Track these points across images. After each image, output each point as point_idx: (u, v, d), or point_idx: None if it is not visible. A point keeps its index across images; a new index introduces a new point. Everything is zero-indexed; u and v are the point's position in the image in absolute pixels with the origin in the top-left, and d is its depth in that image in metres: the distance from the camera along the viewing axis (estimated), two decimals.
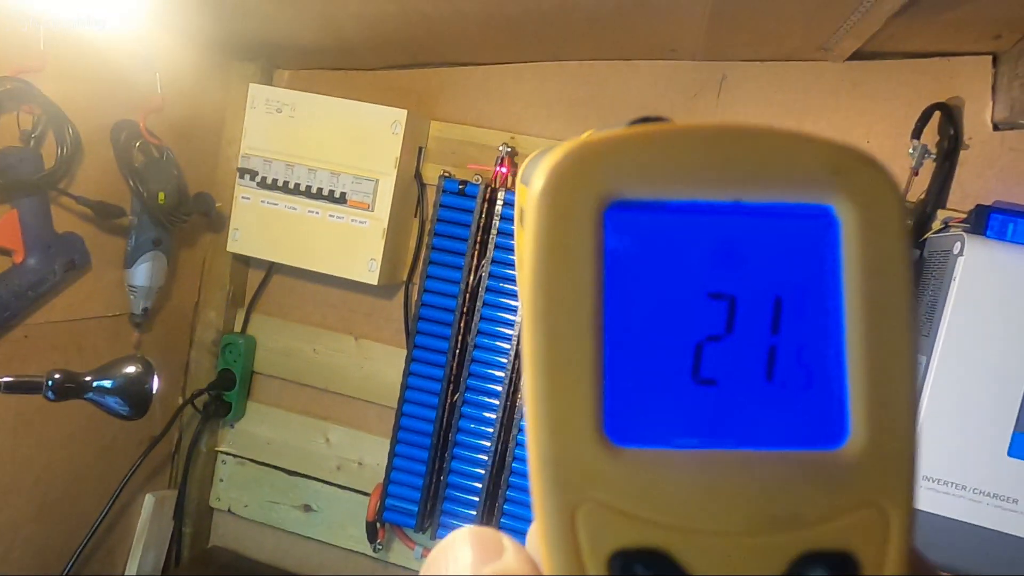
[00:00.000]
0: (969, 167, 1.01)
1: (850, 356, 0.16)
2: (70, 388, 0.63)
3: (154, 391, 0.63)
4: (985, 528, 0.83)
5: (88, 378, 0.62)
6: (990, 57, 0.99)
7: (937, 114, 1.00)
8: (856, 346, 0.16)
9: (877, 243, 0.16)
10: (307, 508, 1.29)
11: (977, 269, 0.84)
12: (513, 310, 1.09)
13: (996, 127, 1.00)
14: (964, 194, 1.01)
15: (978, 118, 1.01)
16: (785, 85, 1.08)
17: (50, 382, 0.62)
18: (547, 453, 0.15)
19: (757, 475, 0.15)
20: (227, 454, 1.32)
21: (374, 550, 1.21)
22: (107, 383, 0.61)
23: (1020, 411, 0.84)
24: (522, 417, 1.10)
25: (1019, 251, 0.85)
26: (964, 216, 0.97)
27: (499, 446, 1.10)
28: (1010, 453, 0.84)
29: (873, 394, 0.15)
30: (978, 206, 0.90)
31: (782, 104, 1.08)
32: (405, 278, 1.20)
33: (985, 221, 0.88)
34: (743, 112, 1.10)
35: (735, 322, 0.16)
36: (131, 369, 0.62)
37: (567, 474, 0.15)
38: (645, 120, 0.17)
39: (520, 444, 1.10)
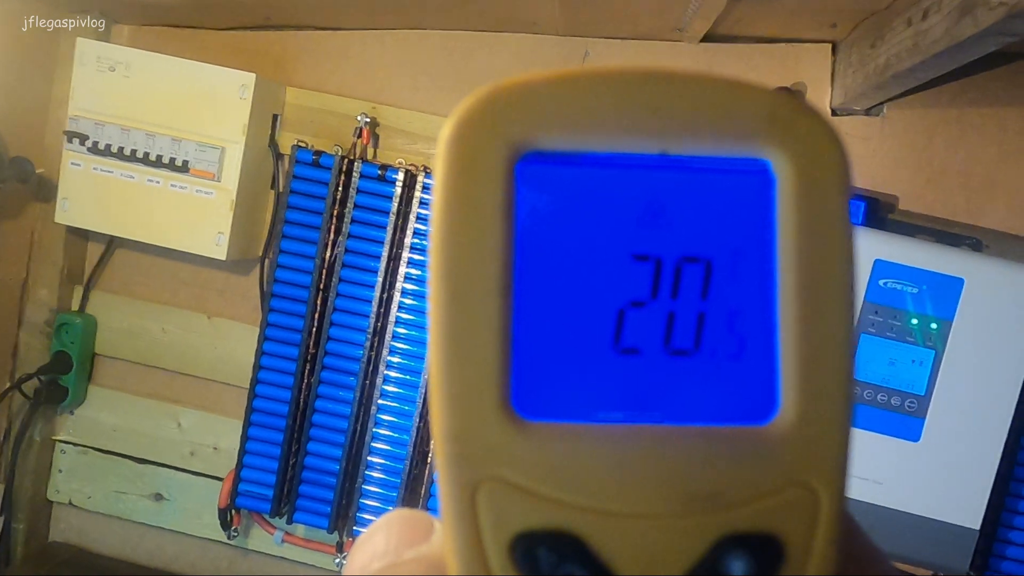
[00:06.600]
0: None
1: (783, 325, 0.14)
2: None
3: None
4: None
5: None
6: (829, 45, 1.04)
7: None
8: (790, 315, 0.14)
9: (816, 203, 0.14)
10: (158, 497, 1.22)
11: None
12: (372, 286, 1.06)
13: (834, 112, 1.05)
14: None
15: (819, 103, 1.06)
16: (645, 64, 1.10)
17: None
18: (447, 425, 0.14)
19: (678, 452, 0.14)
20: (66, 443, 1.22)
21: (229, 537, 1.16)
22: None
23: None
24: (381, 396, 1.07)
25: None
26: None
27: (357, 426, 1.07)
28: None
29: (806, 367, 0.14)
30: None
31: None
32: (261, 253, 1.14)
33: None
34: None
35: (660, 286, 0.15)
36: None
37: (468, 449, 0.14)
38: None
39: (379, 424, 1.08)
